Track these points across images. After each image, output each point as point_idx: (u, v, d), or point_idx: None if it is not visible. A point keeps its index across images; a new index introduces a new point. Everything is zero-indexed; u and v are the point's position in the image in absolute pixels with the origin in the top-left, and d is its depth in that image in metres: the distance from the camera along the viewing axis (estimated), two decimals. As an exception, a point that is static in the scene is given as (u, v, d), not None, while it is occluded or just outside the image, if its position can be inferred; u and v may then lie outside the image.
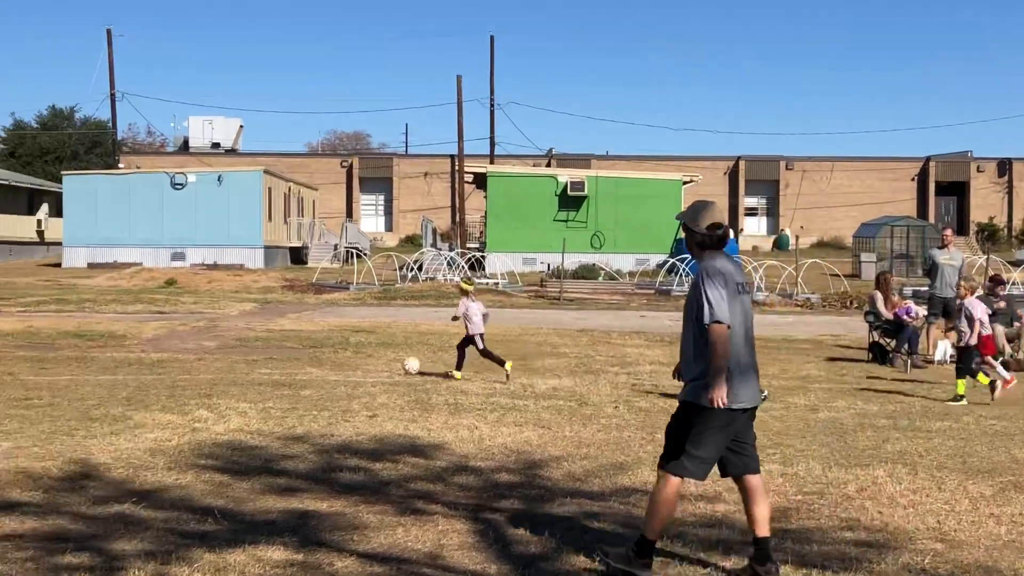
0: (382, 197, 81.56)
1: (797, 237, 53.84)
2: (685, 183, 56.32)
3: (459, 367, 16.11)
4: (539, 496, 8.92)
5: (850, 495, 9.10)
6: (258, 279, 42.37)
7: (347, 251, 49.51)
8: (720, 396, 6.68)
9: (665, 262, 47.17)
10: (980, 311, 14.85)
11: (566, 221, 53.85)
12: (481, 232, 61.80)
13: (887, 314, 19.14)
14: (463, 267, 44.69)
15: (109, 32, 68.85)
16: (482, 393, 14.67)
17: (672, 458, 6.89)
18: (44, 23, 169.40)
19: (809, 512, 8.55)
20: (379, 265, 44.40)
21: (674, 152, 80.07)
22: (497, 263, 48.04)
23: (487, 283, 42.62)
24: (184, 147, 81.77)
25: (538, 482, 9.47)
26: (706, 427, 6.78)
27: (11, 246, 63.55)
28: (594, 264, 49.47)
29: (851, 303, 34.66)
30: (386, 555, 7.18)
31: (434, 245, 57.50)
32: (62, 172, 60.00)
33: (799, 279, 39.12)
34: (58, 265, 53.64)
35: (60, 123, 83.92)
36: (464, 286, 16.52)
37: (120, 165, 69.18)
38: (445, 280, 41.83)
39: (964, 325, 14.88)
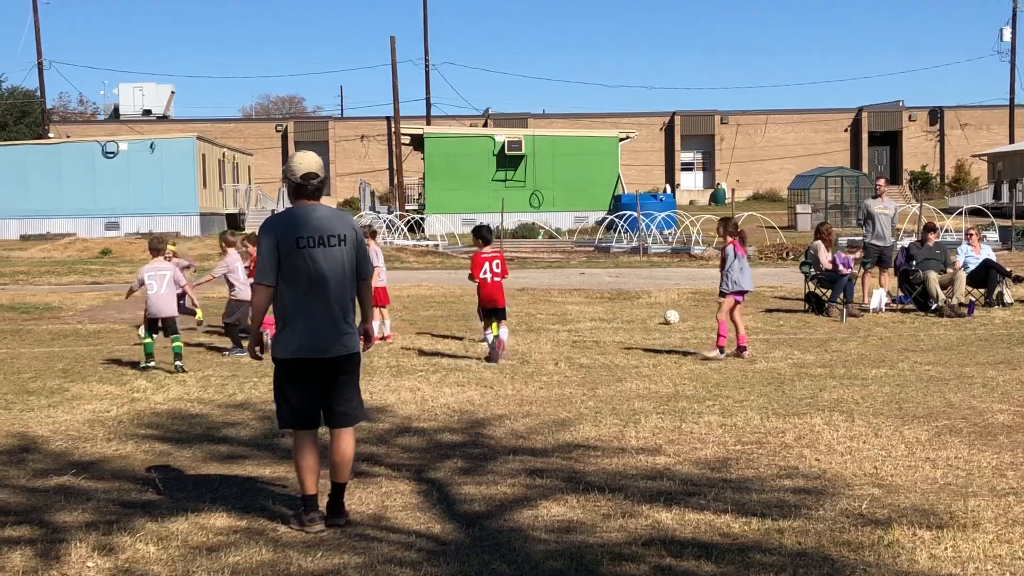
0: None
1: (733, 191, 54.31)
2: (621, 140, 56.40)
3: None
4: (482, 455, 8.96)
5: (788, 443, 9.22)
6: (195, 247, 41.91)
7: (284, 216, 49.08)
8: (249, 349, 7.43)
9: (604, 219, 47.32)
10: None
11: (504, 181, 53.74)
12: (420, 194, 61.56)
13: (828, 264, 19.25)
14: (402, 230, 44.51)
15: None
16: (424, 355, 14.67)
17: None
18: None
19: (748, 461, 8.65)
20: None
21: (610, 109, 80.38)
22: (436, 225, 47.91)
23: (427, 244, 42.52)
24: (115, 115, 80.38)
25: (481, 441, 9.52)
26: (276, 378, 7.19)
27: (-60, 220, 62.32)
28: (533, 223, 49.49)
29: (787, 255, 34.93)
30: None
31: (373, 208, 57.24)
32: (-10, 143, 58.96)
33: (736, 232, 39.33)
34: (-11, 238, 52.80)
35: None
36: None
37: (50, 135, 67.98)
38: (385, 244, 41.67)
39: None
